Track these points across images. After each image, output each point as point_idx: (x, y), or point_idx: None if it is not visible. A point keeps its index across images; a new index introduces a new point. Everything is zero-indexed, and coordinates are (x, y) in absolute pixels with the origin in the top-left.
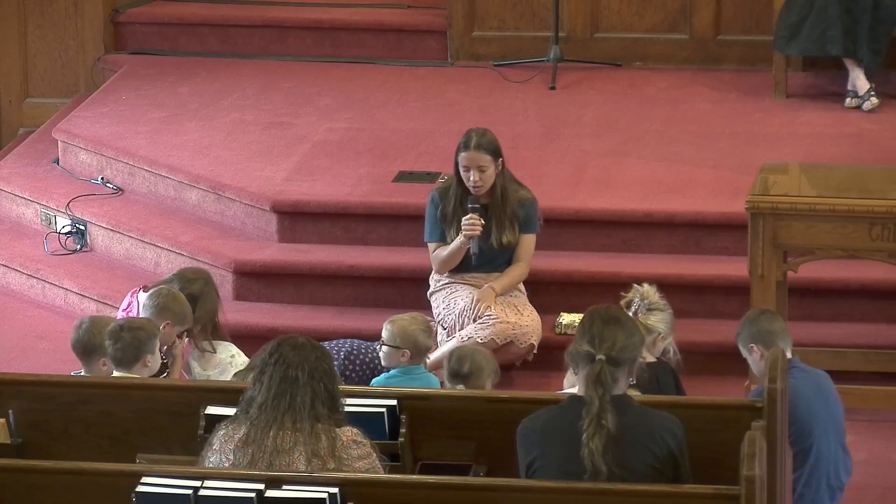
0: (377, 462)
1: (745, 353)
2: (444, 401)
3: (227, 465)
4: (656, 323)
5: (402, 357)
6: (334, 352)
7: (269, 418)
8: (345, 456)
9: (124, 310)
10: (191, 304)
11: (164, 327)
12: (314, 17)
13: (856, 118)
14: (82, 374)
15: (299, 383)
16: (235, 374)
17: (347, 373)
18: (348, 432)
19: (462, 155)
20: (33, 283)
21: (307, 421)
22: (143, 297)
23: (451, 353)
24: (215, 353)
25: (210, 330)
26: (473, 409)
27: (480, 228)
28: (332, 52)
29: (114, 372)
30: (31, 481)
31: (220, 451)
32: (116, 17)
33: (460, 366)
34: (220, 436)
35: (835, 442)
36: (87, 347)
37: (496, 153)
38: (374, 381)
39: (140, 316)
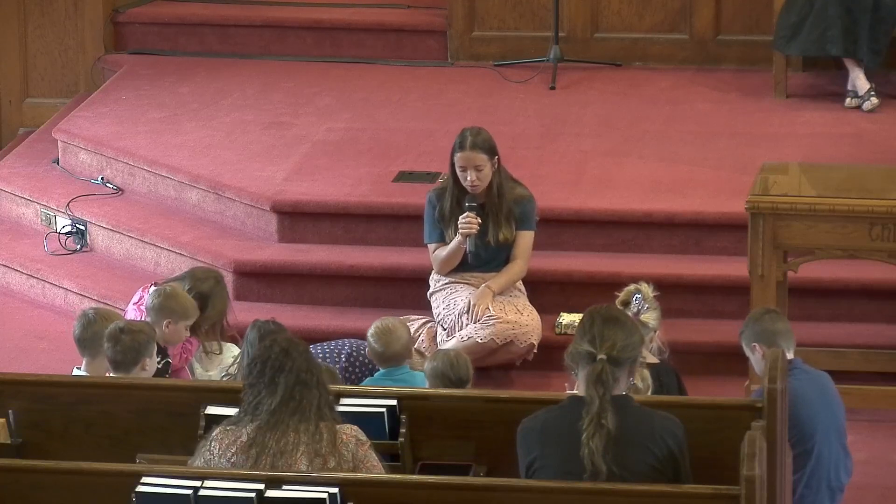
0: (377, 461)
1: (747, 351)
2: (444, 401)
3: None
4: (649, 320)
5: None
6: (335, 353)
7: (277, 421)
8: (345, 451)
9: (135, 303)
10: (201, 302)
11: (167, 325)
12: (314, 17)
13: (856, 118)
14: (83, 368)
15: (309, 387)
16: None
17: (348, 374)
18: (348, 430)
19: (458, 155)
20: (33, 283)
21: (312, 422)
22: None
23: (442, 359)
24: (220, 353)
25: (218, 330)
26: (473, 409)
27: (477, 226)
28: (332, 52)
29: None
30: (31, 481)
31: (221, 454)
32: (116, 17)
33: (454, 372)
34: (219, 437)
35: (836, 444)
36: (94, 341)
37: (492, 151)
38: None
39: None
